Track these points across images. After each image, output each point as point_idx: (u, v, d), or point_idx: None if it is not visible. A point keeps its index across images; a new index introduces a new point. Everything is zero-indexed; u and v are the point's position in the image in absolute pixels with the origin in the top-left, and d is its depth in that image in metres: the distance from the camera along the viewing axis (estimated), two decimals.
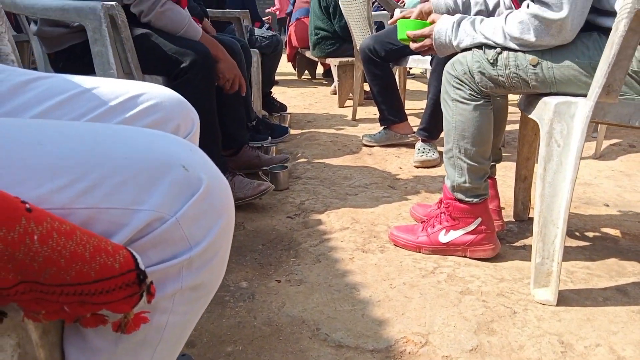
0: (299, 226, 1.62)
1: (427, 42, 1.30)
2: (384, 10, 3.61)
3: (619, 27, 0.96)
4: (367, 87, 3.26)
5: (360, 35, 2.98)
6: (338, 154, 2.43)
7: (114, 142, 0.46)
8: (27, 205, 0.34)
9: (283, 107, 3.32)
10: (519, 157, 1.60)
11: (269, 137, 2.53)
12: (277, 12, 7.23)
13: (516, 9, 1.25)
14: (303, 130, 2.93)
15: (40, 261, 0.33)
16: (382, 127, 2.56)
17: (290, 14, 4.98)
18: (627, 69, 1.00)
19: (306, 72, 5.24)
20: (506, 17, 1.15)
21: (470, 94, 1.24)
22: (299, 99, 4.07)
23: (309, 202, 1.81)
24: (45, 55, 1.66)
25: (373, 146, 2.54)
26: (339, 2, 3.10)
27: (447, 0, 1.41)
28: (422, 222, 1.49)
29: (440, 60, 2.03)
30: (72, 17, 1.37)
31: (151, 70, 1.58)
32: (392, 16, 2.99)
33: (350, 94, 3.64)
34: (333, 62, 3.64)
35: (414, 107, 3.65)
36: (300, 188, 1.96)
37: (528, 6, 1.09)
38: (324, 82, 5.05)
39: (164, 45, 1.55)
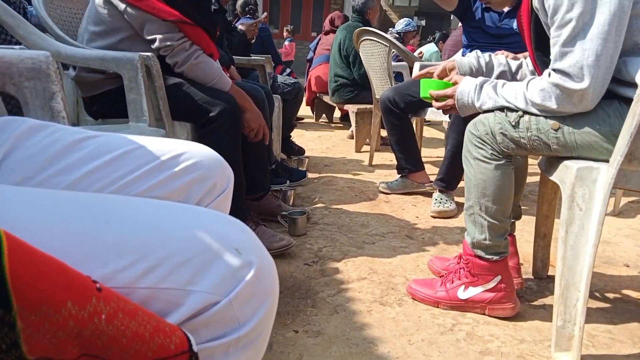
0: (316, 274, 1.63)
1: (449, 102, 1.34)
2: (403, 61, 3.71)
3: (635, 114, 0.99)
4: (383, 133, 3.32)
5: (380, 85, 3.06)
6: (355, 200, 2.46)
7: (174, 223, 0.49)
8: (98, 285, 0.37)
9: (301, 151, 3.38)
10: (538, 214, 1.61)
11: (287, 181, 2.57)
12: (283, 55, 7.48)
13: (538, 73, 1.29)
14: (320, 174, 2.97)
15: (104, 339, 0.36)
16: (400, 175, 2.59)
17: (310, 60, 5.13)
18: None
19: (324, 115, 5.34)
20: (527, 83, 1.19)
21: (492, 153, 1.27)
22: (316, 142, 4.13)
23: (327, 250, 1.82)
24: (79, 98, 1.74)
25: (390, 193, 2.56)
26: (360, 52, 3.20)
27: (471, 60, 1.46)
28: (440, 276, 1.49)
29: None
30: (111, 66, 1.44)
31: (181, 117, 1.64)
32: (411, 68, 3.07)
33: (367, 140, 3.70)
34: (351, 109, 3.73)
35: (430, 155, 3.69)
36: (317, 234, 1.97)
37: (550, 75, 1.13)
38: (341, 125, 5.14)
39: (194, 95, 1.61)
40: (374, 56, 3.00)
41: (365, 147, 3.77)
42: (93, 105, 1.69)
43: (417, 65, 2.61)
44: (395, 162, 2.61)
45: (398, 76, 3.68)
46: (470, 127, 1.30)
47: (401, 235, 2.00)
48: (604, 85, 1.09)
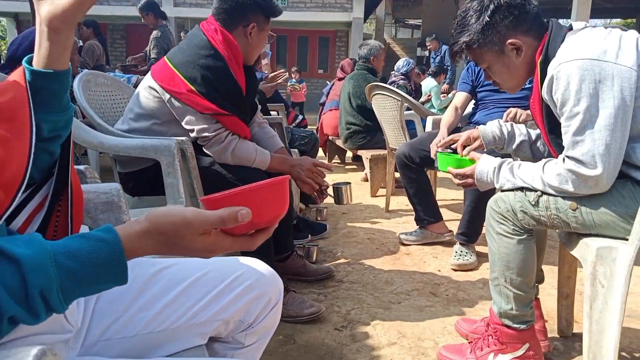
0: (347, 340, 1.68)
1: (469, 180, 1.42)
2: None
3: None
4: (396, 174, 3.40)
5: (393, 136, 3.17)
6: (377, 253, 2.52)
7: None
8: None
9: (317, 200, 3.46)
10: (560, 275, 1.66)
11: (309, 235, 2.65)
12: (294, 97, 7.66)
13: (553, 153, 1.36)
14: (339, 224, 3.04)
15: None
16: (418, 227, 2.65)
17: (323, 104, 5.28)
18: None
19: (336, 156, 5.45)
20: (544, 166, 1.27)
21: (513, 229, 1.34)
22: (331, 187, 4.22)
23: (355, 312, 1.88)
24: (116, 173, 1.85)
25: (410, 244, 2.63)
26: (372, 105, 3.31)
27: (494, 130, 1.55)
28: (469, 342, 1.54)
29: None
30: (150, 154, 1.55)
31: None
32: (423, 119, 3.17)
33: (382, 184, 3.78)
34: (365, 155, 3.82)
35: (446, 197, 3.75)
36: (344, 294, 2.03)
37: (564, 160, 1.21)
38: (354, 167, 5.24)
39: (225, 174, 1.71)
40: (386, 109, 3.11)
41: (381, 191, 3.85)
42: (129, 182, 1.80)
43: (429, 120, 2.71)
44: (412, 210, 2.68)
45: (409, 123, 3.78)
46: (491, 203, 1.38)
47: (425, 292, 2.05)
48: (616, 169, 1.17)
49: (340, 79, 5.20)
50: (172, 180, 1.55)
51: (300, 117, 4.87)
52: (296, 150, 2.94)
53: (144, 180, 1.75)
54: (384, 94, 3.10)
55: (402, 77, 5.30)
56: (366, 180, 4.20)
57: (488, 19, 1.31)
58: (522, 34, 1.32)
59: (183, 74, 1.65)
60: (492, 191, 1.46)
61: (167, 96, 1.66)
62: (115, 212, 0.81)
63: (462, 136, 1.59)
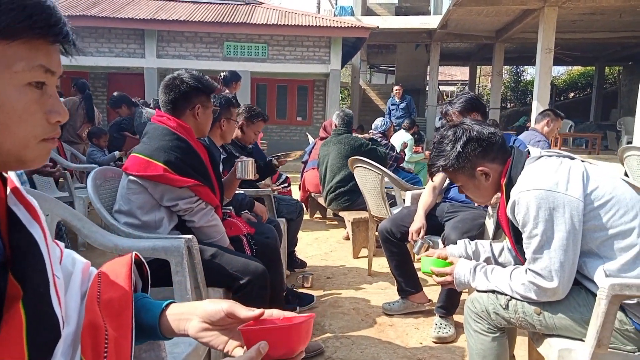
0: None
1: (448, 279, 1.62)
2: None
3: (600, 303, 1.28)
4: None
5: (374, 205, 3.38)
6: (362, 325, 2.67)
7: None
8: None
9: (303, 264, 3.61)
10: (530, 358, 1.85)
11: (297, 307, 2.78)
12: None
13: (520, 259, 1.57)
14: (325, 292, 3.19)
15: None
16: (400, 297, 2.82)
17: (305, 162, 5.50)
18: (611, 329, 1.29)
19: (317, 212, 5.64)
20: (511, 273, 1.47)
21: (488, 327, 1.53)
22: (314, 246, 4.38)
23: None
24: None
25: (393, 315, 2.79)
26: (355, 175, 3.53)
27: (460, 251, 1.76)
28: None
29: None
30: (161, 255, 1.69)
31: (215, 284, 1.88)
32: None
33: (364, 245, 3.95)
34: (347, 217, 4.01)
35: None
36: None
37: (526, 272, 1.42)
38: (335, 222, 5.42)
39: (226, 265, 1.87)
40: (367, 180, 3.33)
41: (363, 251, 4.01)
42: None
43: (408, 194, 2.93)
44: (396, 285, 2.86)
45: (390, 197, 3.96)
46: (468, 303, 1.57)
47: None
48: (570, 281, 1.38)
49: (322, 139, 5.45)
50: (180, 279, 1.69)
51: (284, 176, 5.06)
52: (283, 219, 3.11)
53: (151, 271, 1.88)
54: (365, 167, 3.32)
55: (380, 135, 5.58)
56: (347, 239, 4.38)
57: (460, 150, 1.54)
58: (490, 162, 1.55)
59: (157, 159, 1.87)
60: None
61: (147, 183, 1.87)
62: (155, 351, 0.95)
63: (435, 253, 1.78)
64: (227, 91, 5.70)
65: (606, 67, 18.55)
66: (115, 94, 5.98)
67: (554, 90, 17.02)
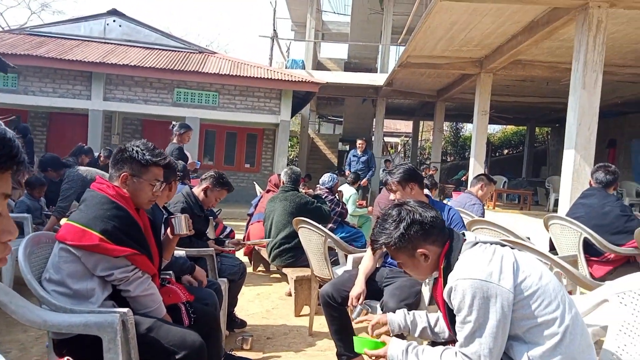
0: None
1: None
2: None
3: None
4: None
5: (317, 265, 3.42)
6: None
7: None
8: None
9: (243, 324, 3.55)
10: None
11: None
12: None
13: (448, 330, 1.65)
14: (265, 354, 3.14)
15: None
16: None
17: (250, 215, 5.49)
18: None
19: (261, 265, 5.59)
20: (441, 354, 1.54)
21: None
22: (256, 303, 4.32)
23: None
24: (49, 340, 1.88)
25: None
26: (299, 234, 3.57)
27: (399, 320, 1.84)
28: None
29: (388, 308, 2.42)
30: (93, 331, 1.64)
31: (150, 358, 1.83)
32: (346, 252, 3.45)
33: (306, 302, 3.94)
34: (290, 274, 4.01)
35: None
36: None
37: (456, 354, 1.50)
38: (278, 275, 5.38)
39: (161, 339, 1.83)
40: (311, 241, 3.38)
41: (305, 309, 4.00)
42: (63, 348, 1.84)
43: (350, 258, 2.99)
44: (336, 349, 2.86)
45: (333, 256, 4.01)
46: None
47: None
48: None
49: (267, 191, 5.50)
50: (113, 356, 1.64)
51: (229, 229, 5.02)
52: (225, 279, 3.08)
53: (80, 346, 1.80)
54: (309, 228, 3.38)
55: (327, 190, 5.69)
56: (290, 295, 4.36)
57: (403, 231, 1.62)
58: (430, 244, 1.64)
59: (93, 229, 1.84)
60: None
61: (81, 252, 1.83)
62: None
63: (374, 319, 1.85)
64: (175, 141, 5.68)
65: (537, 128, 19.98)
66: (44, 155, 5.55)
67: (489, 146, 18.07)
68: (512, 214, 9.15)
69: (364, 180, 9.55)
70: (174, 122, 5.86)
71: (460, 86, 11.13)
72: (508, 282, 1.47)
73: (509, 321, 1.46)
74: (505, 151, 24.60)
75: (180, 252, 2.79)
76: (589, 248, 3.55)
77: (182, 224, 2.35)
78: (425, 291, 2.60)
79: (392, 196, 2.77)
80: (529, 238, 3.60)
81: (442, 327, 1.80)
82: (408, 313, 1.85)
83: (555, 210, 6.78)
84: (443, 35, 7.50)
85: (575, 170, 5.52)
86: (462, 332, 1.49)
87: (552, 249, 3.95)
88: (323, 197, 5.56)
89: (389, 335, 1.77)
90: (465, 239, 1.64)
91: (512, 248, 1.60)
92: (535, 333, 1.47)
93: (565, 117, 5.78)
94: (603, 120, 5.59)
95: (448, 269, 1.59)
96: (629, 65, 8.73)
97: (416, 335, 1.83)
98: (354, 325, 2.89)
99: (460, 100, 14.07)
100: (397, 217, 1.65)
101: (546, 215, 3.97)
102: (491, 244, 1.60)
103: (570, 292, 2.45)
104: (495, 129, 25.72)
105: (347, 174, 9.28)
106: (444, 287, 1.57)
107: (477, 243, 1.61)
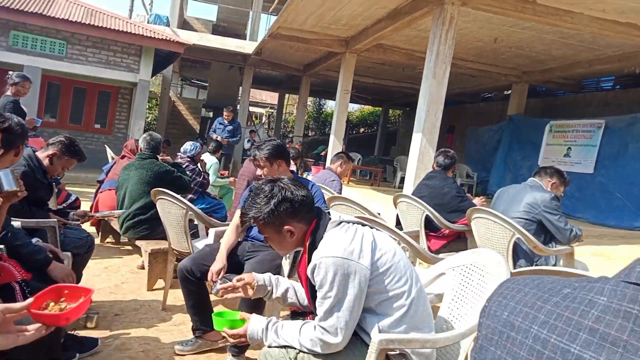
0: None
1: (242, 340, 1.67)
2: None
3: (371, 355, 1.47)
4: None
5: (174, 238, 3.27)
6: None
7: None
8: None
9: None
10: None
11: (77, 354, 2.50)
12: None
13: (309, 304, 1.71)
14: (112, 332, 2.94)
15: None
16: (195, 336, 2.78)
17: (101, 182, 5.02)
18: None
19: (110, 236, 5.18)
20: (300, 329, 1.60)
21: None
22: (103, 277, 4.00)
23: None
24: None
25: (185, 355, 2.72)
26: (157, 206, 3.37)
27: (264, 277, 1.89)
28: None
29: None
30: None
31: None
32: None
33: (160, 276, 3.77)
34: (144, 247, 3.78)
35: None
36: None
37: (315, 328, 1.57)
38: (130, 248, 5.04)
39: None
40: (171, 214, 3.21)
41: (159, 282, 3.82)
42: None
43: (211, 232, 2.92)
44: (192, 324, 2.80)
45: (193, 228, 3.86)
46: (261, 356, 1.65)
47: None
48: (350, 336, 1.57)
49: (122, 157, 5.07)
50: None
51: (74, 196, 4.53)
52: (69, 253, 2.78)
53: None
54: (169, 200, 3.21)
55: (189, 159, 5.45)
56: (142, 268, 4.12)
57: (273, 207, 1.65)
58: (297, 222, 1.69)
59: None
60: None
61: None
62: None
63: (242, 280, 1.85)
64: (9, 92, 4.91)
65: (390, 110, 21.58)
66: None
67: (348, 124, 19.05)
68: (364, 189, 9.82)
69: (223, 139, 9.15)
70: (10, 72, 5.05)
71: (326, 63, 11.45)
72: (367, 260, 1.57)
73: (364, 296, 1.57)
74: (362, 129, 26.17)
75: (16, 223, 2.44)
76: (428, 224, 3.97)
77: (9, 179, 1.89)
78: (285, 265, 2.67)
79: (259, 171, 2.75)
80: (379, 214, 3.90)
81: (302, 297, 1.87)
82: (272, 276, 1.90)
83: (401, 187, 7.42)
84: (314, 10, 7.59)
85: (421, 152, 6.09)
86: (322, 307, 1.56)
87: (398, 224, 4.34)
88: (184, 166, 5.32)
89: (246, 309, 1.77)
90: (330, 218, 1.71)
91: (371, 227, 1.71)
92: (386, 305, 1.60)
93: (416, 102, 6.32)
94: (445, 107, 6.22)
95: (313, 246, 1.65)
96: (470, 60, 9.84)
97: (279, 293, 1.88)
98: (213, 299, 2.85)
99: (325, 77, 14.50)
100: (269, 193, 1.68)
101: (396, 194, 4.33)
102: (353, 223, 1.69)
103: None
104: (354, 107, 27.15)
105: (215, 137, 8.93)
106: (309, 263, 1.62)
107: (341, 222, 1.68)
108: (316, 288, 1.59)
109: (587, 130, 8.94)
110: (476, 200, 4.33)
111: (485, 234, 3.43)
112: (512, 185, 3.76)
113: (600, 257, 5.03)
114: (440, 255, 3.45)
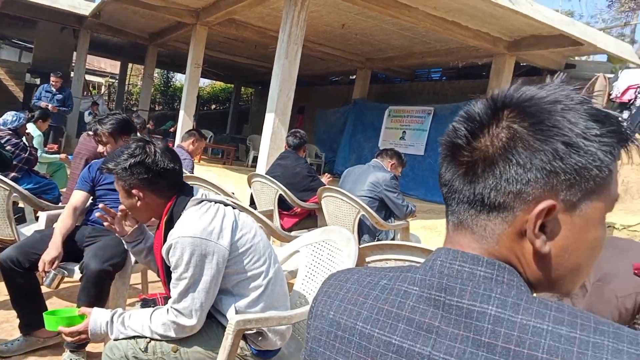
0: None
1: (82, 337, 1.53)
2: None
3: (228, 337, 1.46)
4: None
5: None
6: None
7: None
8: None
9: None
10: None
11: None
12: None
13: (166, 292, 1.63)
14: None
15: None
16: (22, 334, 2.45)
17: None
18: (234, 356, 1.50)
19: None
20: (151, 316, 1.52)
21: None
22: None
23: None
24: None
25: (10, 357, 2.39)
26: None
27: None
28: None
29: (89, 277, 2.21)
30: None
31: None
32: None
33: None
34: None
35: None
36: None
37: (168, 311, 1.50)
38: None
39: None
40: None
41: None
42: None
43: (43, 215, 2.58)
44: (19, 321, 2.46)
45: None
46: (107, 351, 1.52)
47: None
48: (204, 317, 1.54)
49: None
50: None
51: None
52: None
53: None
54: None
55: (10, 132, 4.71)
56: None
57: (128, 167, 1.60)
58: (150, 191, 1.62)
59: None
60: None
61: None
62: None
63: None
64: None
65: (242, 87, 21.33)
66: None
67: (199, 100, 18.34)
68: (217, 168, 9.63)
69: (54, 106, 8.06)
70: None
71: (175, 34, 10.82)
72: (226, 241, 1.54)
73: (221, 276, 1.54)
74: (213, 106, 25.48)
75: None
76: (281, 203, 4.06)
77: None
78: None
79: (100, 148, 2.50)
80: (233, 193, 3.87)
81: None
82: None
83: (254, 167, 7.45)
84: None
85: (274, 132, 6.17)
86: (176, 289, 1.50)
87: (252, 203, 4.36)
88: (3, 140, 4.60)
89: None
90: (193, 196, 1.65)
91: (234, 208, 1.68)
92: (243, 286, 1.60)
93: (268, 81, 6.34)
94: (296, 88, 6.38)
95: (171, 223, 1.58)
96: (320, 44, 10.18)
97: (148, 244, 1.85)
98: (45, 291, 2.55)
99: (174, 49, 13.69)
100: (132, 151, 1.63)
101: (250, 174, 4.33)
102: (216, 202, 1.64)
103: None
104: (205, 82, 26.23)
105: (43, 105, 7.77)
106: (164, 242, 1.54)
107: (202, 201, 1.62)
108: (171, 269, 1.52)
109: (419, 116, 9.97)
110: (324, 178, 4.56)
111: (334, 211, 3.63)
112: (357, 166, 4.03)
113: (429, 230, 5.71)
114: (293, 233, 3.57)
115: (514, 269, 0.60)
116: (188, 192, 1.68)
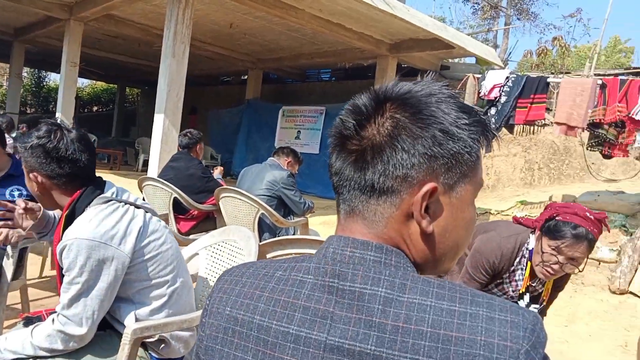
0: None
1: None
2: None
3: (124, 348, 1.40)
4: None
5: None
6: None
7: None
8: None
9: None
10: None
11: None
12: None
13: (58, 289, 1.50)
14: None
15: None
16: None
17: None
18: None
19: None
20: (32, 331, 1.40)
21: None
22: None
23: None
24: None
25: None
26: None
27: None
28: None
29: None
30: None
31: None
32: None
33: None
34: None
35: None
36: None
37: (53, 321, 1.39)
38: None
39: None
40: None
41: None
42: None
43: None
44: None
45: None
46: None
47: None
48: (95, 328, 1.44)
49: None
50: None
51: None
52: None
53: None
54: None
55: None
56: None
57: (29, 147, 1.50)
58: (48, 179, 1.52)
59: None
60: None
61: None
62: None
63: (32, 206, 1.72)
64: None
65: (127, 87, 20.10)
66: None
67: (78, 102, 16.92)
68: (104, 174, 8.98)
69: None
70: None
71: (45, 29, 9.88)
72: (128, 247, 1.45)
73: (119, 284, 1.45)
74: (95, 108, 23.70)
75: None
76: (176, 206, 3.92)
77: None
78: (8, 265, 2.27)
79: None
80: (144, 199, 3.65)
81: None
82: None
83: (145, 171, 7.10)
84: None
85: (164, 133, 5.93)
86: (67, 294, 1.39)
87: None
88: None
89: None
90: (102, 193, 1.54)
91: (146, 211, 1.58)
92: (145, 294, 1.53)
93: (155, 81, 6.07)
94: (187, 88, 6.19)
95: (71, 218, 1.47)
96: (209, 43, 9.96)
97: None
98: None
99: (45, 46, 12.47)
100: (40, 134, 1.51)
101: (140, 177, 4.11)
102: (126, 203, 1.54)
103: None
104: (84, 83, 24.29)
105: None
106: (59, 243, 1.42)
107: (110, 200, 1.51)
108: (63, 271, 1.41)
109: (312, 116, 10.21)
110: (216, 172, 4.52)
111: (232, 211, 3.59)
112: (254, 165, 4.02)
113: (328, 225, 5.89)
114: (191, 237, 3.48)
115: (401, 251, 0.65)
116: (98, 187, 1.56)
